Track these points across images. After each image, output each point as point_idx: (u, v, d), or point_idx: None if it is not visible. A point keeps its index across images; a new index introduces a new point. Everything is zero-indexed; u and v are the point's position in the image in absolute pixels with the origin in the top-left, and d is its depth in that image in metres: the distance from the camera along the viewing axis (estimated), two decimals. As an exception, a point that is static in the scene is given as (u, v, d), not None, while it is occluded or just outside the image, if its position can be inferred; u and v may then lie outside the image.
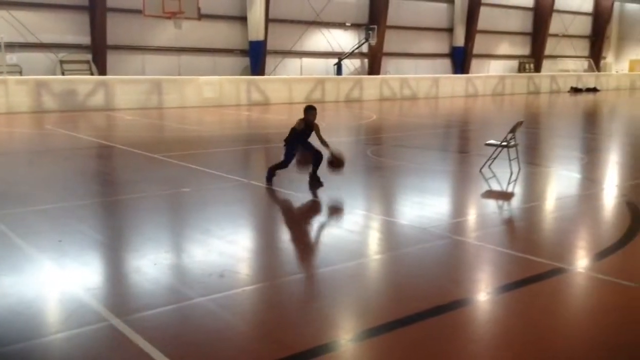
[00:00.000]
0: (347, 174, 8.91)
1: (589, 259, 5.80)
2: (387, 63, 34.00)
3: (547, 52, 42.20)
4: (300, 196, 8.17)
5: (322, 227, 7.05)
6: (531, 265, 5.42)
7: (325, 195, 8.17)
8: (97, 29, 24.33)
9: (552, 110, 27.06)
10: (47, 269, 5.32)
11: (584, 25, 45.43)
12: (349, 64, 32.82)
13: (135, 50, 26.18)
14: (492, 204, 8.22)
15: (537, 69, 41.56)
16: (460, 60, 37.04)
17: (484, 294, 4.81)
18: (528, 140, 14.11)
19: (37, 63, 23.79)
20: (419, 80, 31.65)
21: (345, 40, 32.61)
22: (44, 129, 16.74)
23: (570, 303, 4.74)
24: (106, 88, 22.22)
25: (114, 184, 9.38)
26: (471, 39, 36.82)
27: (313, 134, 8.45)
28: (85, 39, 24.75)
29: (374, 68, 33.15)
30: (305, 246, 6.30)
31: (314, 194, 8.21)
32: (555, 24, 42.07)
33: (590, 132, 18.50)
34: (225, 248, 5.87)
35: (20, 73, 22.88)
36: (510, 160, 9.79)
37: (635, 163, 12.27)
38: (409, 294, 4.78)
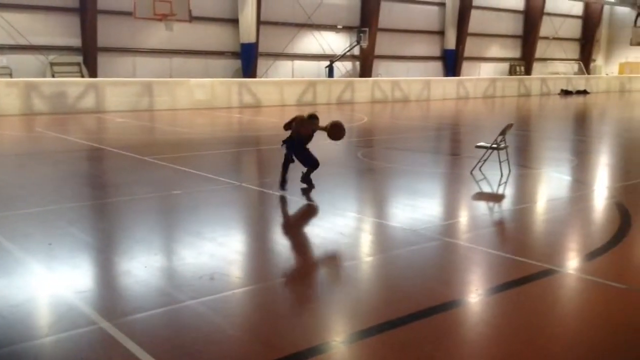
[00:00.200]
0: (339, 177, 8.92)
1: (579, 260, 5.83)
2: (379, 65, 34.07)
3: (537, 54, 42.43)
4: (291, 198, 8.17)
5: (313, 229, 7.05)
6: (521, 267, 5.45)
7: (316, 198, 8.18)
8: (88, 31, 24.21)
9: (543, 112, 27.20)
10: (37, 272, 5.29)
11: (574, 28, 45.71)
12: (340, 67, 32.87)
13: (126, 52, 26.07)
14: (482, 206, 8.25)
15: (528, 71, 41.76)
16: (452, 63, 37.16)
17: (474, 296, 4.83)
18: (518, 143, 14.17)
19: (27, 65, 23.64)
20: (410, 82, 31.71)
21: (336, 42, 32.65)
22: (34, 132, 16.64)
23: (560, 304, 4.76)
24: (97, 90, 22.11)
25: (105, 187, 9.34)
26: (462, 41, 36.95)
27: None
28: (76, 41, 24.63)
29: (365, 70, 33.22)
30: (296, 248, 6.31)
31: (306, 196, 8.21)
32: (546, 27, 42.32)
33: (580, 134, 18.60)
34: (216, 250, 5.86)
35: (10, 75, 22.74)
36: (500, 162, 9.84)
37: (625, 165, 12.36)
38: (399, 295, 4.79)
